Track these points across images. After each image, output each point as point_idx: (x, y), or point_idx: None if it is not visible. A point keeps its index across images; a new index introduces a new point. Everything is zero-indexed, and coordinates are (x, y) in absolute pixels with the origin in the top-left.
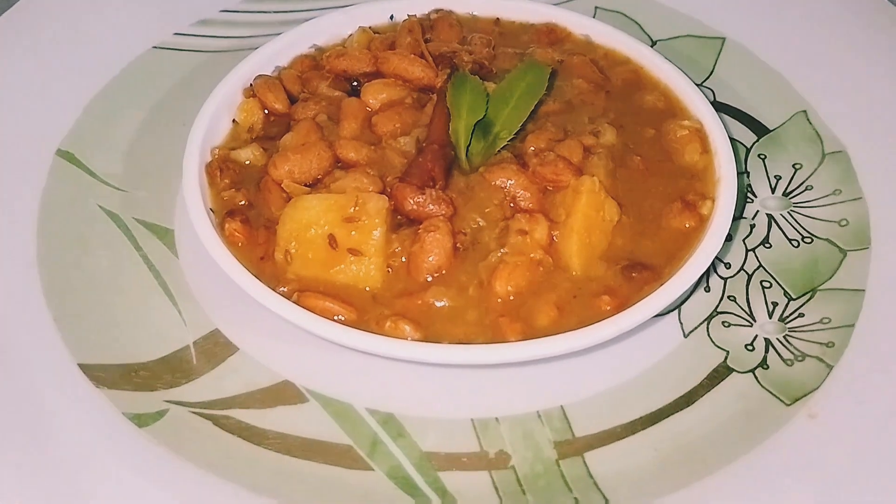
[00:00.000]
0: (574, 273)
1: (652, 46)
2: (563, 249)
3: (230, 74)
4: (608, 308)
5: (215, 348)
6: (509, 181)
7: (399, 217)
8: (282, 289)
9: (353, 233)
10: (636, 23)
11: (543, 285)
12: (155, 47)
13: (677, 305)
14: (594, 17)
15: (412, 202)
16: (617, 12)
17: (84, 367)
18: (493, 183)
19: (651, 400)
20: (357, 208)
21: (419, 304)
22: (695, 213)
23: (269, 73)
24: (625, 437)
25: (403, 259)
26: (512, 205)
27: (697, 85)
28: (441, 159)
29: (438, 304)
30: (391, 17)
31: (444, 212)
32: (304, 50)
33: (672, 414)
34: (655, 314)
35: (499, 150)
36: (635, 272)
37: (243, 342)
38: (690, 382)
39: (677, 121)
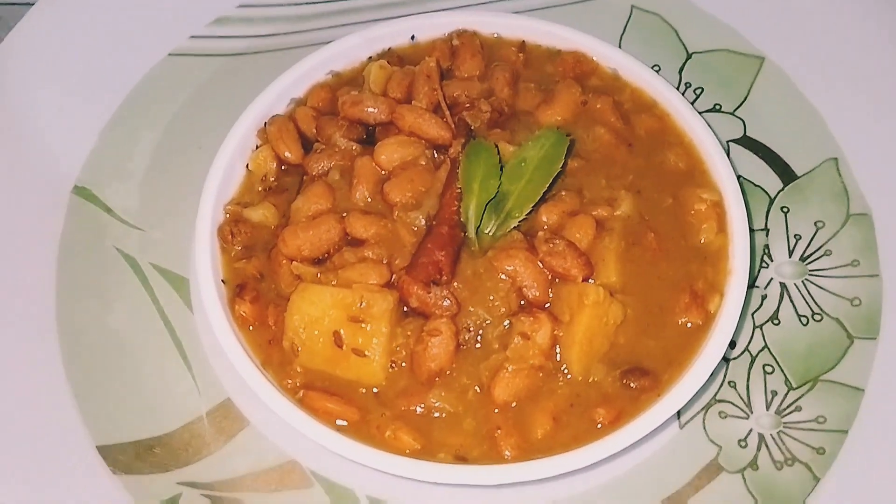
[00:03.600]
0: (572, 377)
1: (687, 59)
2: (563, 355)
3: (244, 116)
4: (603, 422)
5: (225, 422)
6: (517, 269)
7: (405, 308)
8: (288, 382)
9: (359, 337)
10: (673, 29)
11: (542, 390)
12: (171, 54)
13: None
14: (630, 17)
15: (417, 300)
16: (654, 14)
17: (102, 450)
18: (500, 273)
19: (639, 499)
20: (362, 306)
21: (419, 411)
22: (702, 309)
23: (283, 109)
24: None
25: (404, 364)
26: (522, 302)
27: (729, 113)
28: (449, 245)
29: (437, 413)
30: (412, 38)
31: (448, 311)
32: (321, 77)
33: None
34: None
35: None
36: (634, 380)
37: (253, 415)
38: (680, 482)
39: (697, 190)
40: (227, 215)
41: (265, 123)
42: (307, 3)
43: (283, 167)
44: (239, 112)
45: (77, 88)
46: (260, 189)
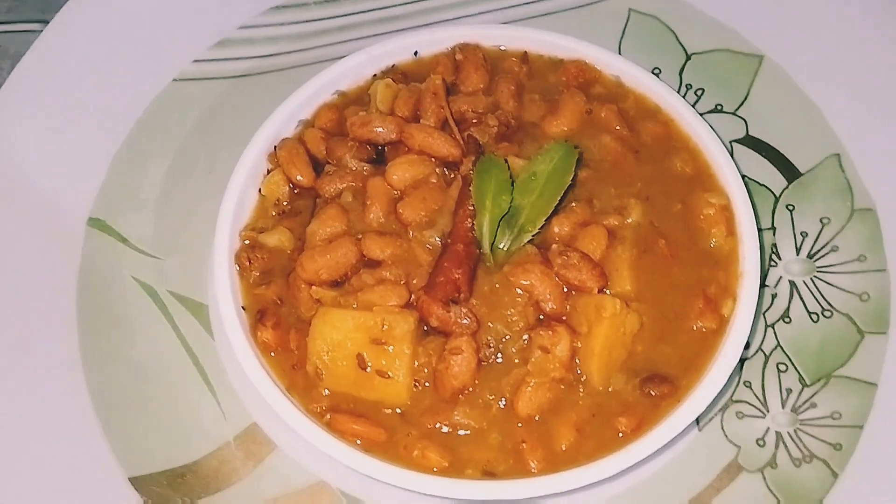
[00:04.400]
0: (592, 388)
1: (687, 61)
2: (583, 366)
3: (254, 140)
4: (625, 431)
5: (253, 446)
6: (533, 283)
7: (425, 327)
8: (315, 406)
9: (382, 359)
10: (671, 30)
11: (564, 402)
12: (175, 80)
13: None
14: (628, 20)
15: (437, 319)
16: (652, 16)
17: (135, 482)
18: (516, 287)
19: (664, 502)
20: (384, 328)
21: (445, 429)
22: (715, 314)
23: (292, 131)
24: None
25: (427, 383)
26: (540, 315)
27: (731, 113)
28: (466, 262)
29: (462, 430)
30: (415, 54)
31: (468, 328)
32: (327, 97)
33: None
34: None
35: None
36: (653, 388)
37: (280, 438)
38: (701, 483)
39: (705, 195)
40: (244, 241)
41: (275, 147)
42: (307, 22)
43: (295, 190)
44: (248, 134)
45: (84, 120)
46: (274, 213)
